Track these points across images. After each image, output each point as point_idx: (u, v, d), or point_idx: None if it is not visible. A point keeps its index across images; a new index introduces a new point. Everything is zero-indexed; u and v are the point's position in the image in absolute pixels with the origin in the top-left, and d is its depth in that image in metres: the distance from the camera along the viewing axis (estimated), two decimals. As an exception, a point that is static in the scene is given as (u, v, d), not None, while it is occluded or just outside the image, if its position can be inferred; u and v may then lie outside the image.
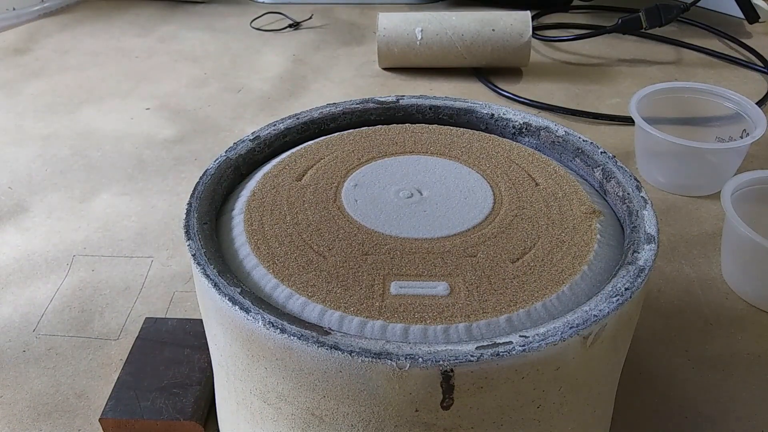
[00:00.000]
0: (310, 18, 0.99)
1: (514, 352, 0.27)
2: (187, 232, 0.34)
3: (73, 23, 0.99)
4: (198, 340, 0.44)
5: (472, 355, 0.27)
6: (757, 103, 0.65)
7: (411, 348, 0.28)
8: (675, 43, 0.91)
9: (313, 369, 0.28)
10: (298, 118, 0.44)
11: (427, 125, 0.44)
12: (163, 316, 0.49)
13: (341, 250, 0.34)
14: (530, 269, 0.33)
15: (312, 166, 0.40)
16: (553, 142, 0.42)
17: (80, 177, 0.65)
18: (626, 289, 0.30)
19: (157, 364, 0.43)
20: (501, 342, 0.28)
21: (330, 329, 0.29)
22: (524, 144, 0.43)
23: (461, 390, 0.28)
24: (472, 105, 0.45)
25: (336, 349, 0.28)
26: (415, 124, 0.45)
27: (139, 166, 0.66)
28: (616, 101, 0.78)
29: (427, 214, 0.36)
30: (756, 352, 0.47)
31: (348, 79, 0.83)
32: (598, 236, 0.35)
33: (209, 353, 0.37)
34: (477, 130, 0.44)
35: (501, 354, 0.27)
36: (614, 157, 0.40)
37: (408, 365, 0.27)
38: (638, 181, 0.37)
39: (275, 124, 0.43)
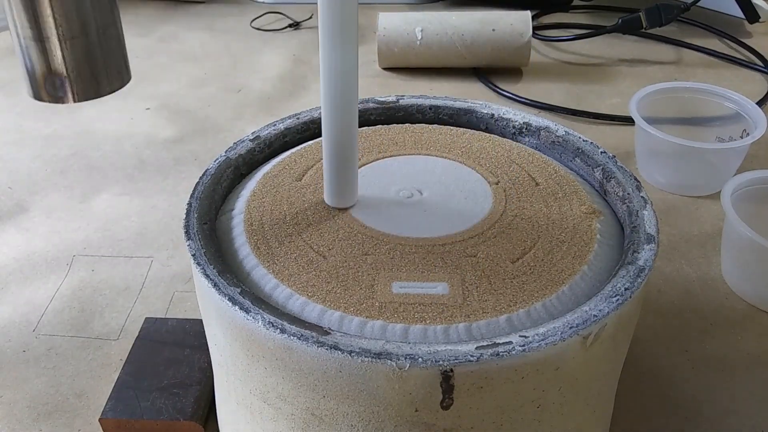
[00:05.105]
0: (310, 18, 0.99)
1: (514, 352, 0.27)
2: (187, 232, 0.34)
3: (73, 23, 0.99)
4: (198, 340, 0.44)
5: (472, 355, 0.27)
6: (757, 103, 0.65)
7: (411, 348, 0.28)
8: (675, 43, 0.91)
9: (313, 369, 0.28)
10: (298, 118, 0.44)
11: (427, 125, 0.44)
12: (163, 316, 0.49)
13: (341, 250, 0.34)
14: (530, 269, 0.33)
15: (312, 166, 0.40)
16: (553, 142, 0.42)
17: (80, 177, 0.65)
18: (626, 289, 0.30)
19: (157, 364, 0.43)
20: (501, 342, 0.28)
21: (330, 329, 0.29)
22: (524, 144, 0.43)
23: (461, 390, 0.28)
24: (472, 105, 0.45)
25: (336, 349, 0.28)
26: (415, 124, 0.45)
27: (139, 166, 0.66)
28: (616, 101, 0.78)
29: (427, 214, 0.36)
30: (756, 352, 0.47)
31: (348, 79, 0.83)
32: (598, 236, 0.35)
33: (209, 353, 0.37)
34: (477, 130, 0.44)
35: (501, 354, 0.27)
36: (614, 157, 0.40)
37: (408, 365, 0.27)
38: (638, 181, 0.37)
39: (275, 124, 0.43)
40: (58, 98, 0.29)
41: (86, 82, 0.29)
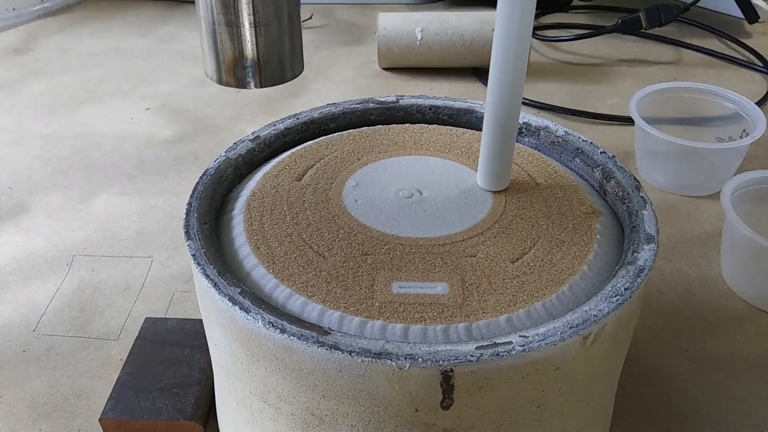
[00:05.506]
0: (310, 18, 0.99)
1: (513, 352, 0.27)
2: (187, 232, 0.34)
3: (73, 23, 0.99)
4: (198, 340, 0.44)
5: (472, 355, 0.27)
6: (757, 103, 0.65)
7: (411, 348, 0.28)
8: (675, 43, 0.91)
9: (313, 369, 0.28)
10: (298, 118, 0.44)
11: (427, 125, 0.44)
12: (163, 316, 0.49)
13: (341, 250, 0.34)
14: (530, 269, 0.33)
15: (312, 166, 0.40)
16: (553, 142, 0.42)
17: (80, 177, 0.65)
18: (626, 289, 0.30)
19: (157, 364, 0.43)
20: (501, 342, 0.28)
21: (330, 329, 0.29)
22: (524, 144, 0.43)
23: (461, 390, 0.28)
24: (472, 105, 0.45)
25: (336, 349, 0.28)
26: (415, 124, 0.45)
27: (139, 166, 0.66)
28: (616, 101, 0.78)
29: (427, 214, 0.36)
30: (756, 352, 0.47)
31: (348, 79, 0.83)
32: (598, 236, 0.35)
33: (209, 353, 0.37)
34: (477, 130, 0.44)
35: (501, 354, 0.27)
36: (614, 157, 0.40)
37: (408, 365, 0.27)
38: (638, 181, 0.37)
39: (275, 124, 0.43)
40: (244, 83, 0.30)
41: (274, 68, 0.30)
